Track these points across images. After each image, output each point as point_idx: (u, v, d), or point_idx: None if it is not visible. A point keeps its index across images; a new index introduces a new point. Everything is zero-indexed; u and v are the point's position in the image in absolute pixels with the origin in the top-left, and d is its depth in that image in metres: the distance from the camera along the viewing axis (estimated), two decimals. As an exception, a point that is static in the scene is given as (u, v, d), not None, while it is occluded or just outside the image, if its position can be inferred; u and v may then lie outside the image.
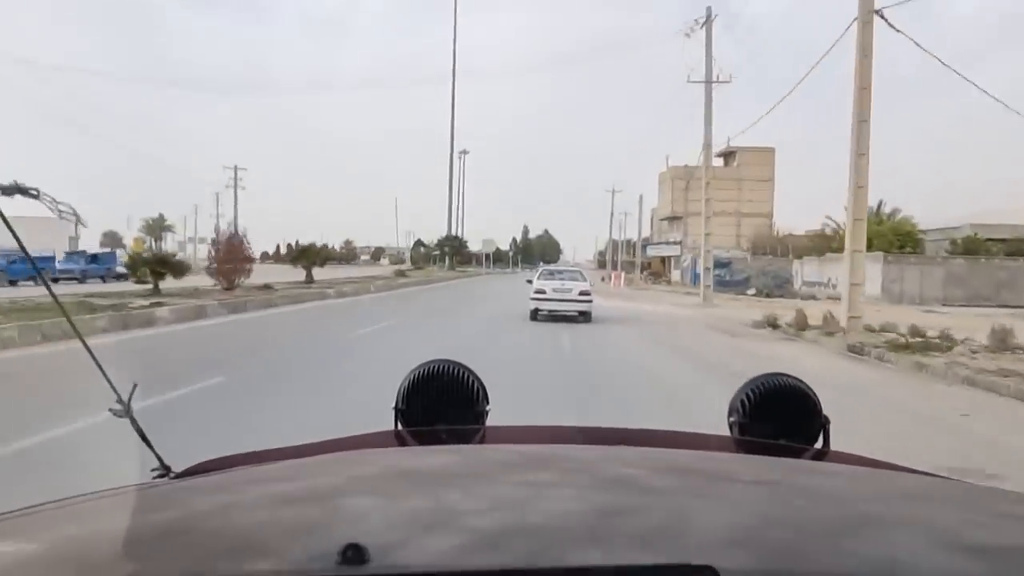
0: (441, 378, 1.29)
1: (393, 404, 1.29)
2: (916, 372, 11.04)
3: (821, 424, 1.27)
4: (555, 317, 17.50)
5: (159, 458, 1.03)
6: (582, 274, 20.03)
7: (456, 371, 1.30)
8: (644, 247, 70.11)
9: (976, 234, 36.79)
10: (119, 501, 0.81)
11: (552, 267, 22.72)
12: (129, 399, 1.03)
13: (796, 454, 1.19)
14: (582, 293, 17.89)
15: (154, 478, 1.02)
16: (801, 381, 1.30)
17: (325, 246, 36.78)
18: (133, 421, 1.03)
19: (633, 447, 1.10)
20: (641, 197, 76.21)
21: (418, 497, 0.76)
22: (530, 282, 19.14)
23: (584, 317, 17.69)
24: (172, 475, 1.02)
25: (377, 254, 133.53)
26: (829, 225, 41.81)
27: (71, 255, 37.97)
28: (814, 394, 1.29)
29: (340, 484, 0.82)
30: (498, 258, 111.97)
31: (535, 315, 17.75)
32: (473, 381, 1.30)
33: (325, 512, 0.73)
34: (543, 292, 17.94)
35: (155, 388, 6.87)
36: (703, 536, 0.67)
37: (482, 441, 1.20)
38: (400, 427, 1.26)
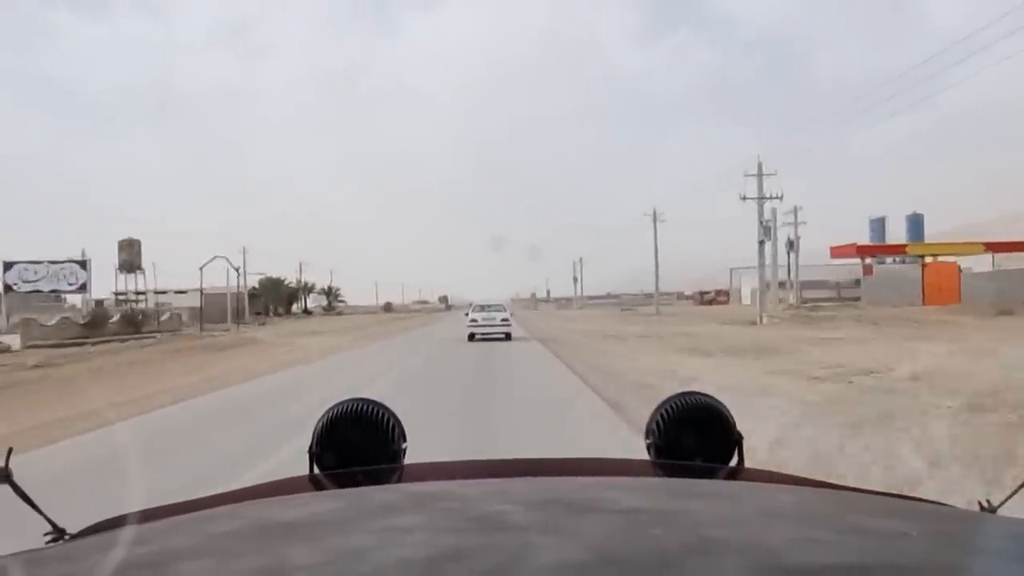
0: (356, 418, 1.29)
1: (308, 448, 1.28)
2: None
3: (735, 441, 1.29)
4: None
5: (50, 521, 1.01)
6: (504, 307, 28.30)
7: (371, 410, 1.30)
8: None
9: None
10: (15, 568, 0.76)
11: (482, 303, 30.07)
12: (6, 462, 1.00)
13: (710, 474, 1.22)
14: (503, 320, 26.36)
15: (47, 543, 0.99)
16: (714, 399, 1.32)
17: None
18: (14, 486, 0.99)
19: (535, 478, 1.12)
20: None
21: (259, 553, 0.74)
22: (467, 315, 28.43)
23: (506, 336, 25.43)
24: (67, 537, 1.00)
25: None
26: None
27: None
28: (728, 411, 1.31)
29: (197, 544, 0.80)
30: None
31: (472, 337, 25.30)
32: (389, 419, 1.30)
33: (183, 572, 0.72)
34: (476, 321, 26.47)
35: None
36: None
37: (399, 480, 1.21)
38: (316, 471, 1.27)
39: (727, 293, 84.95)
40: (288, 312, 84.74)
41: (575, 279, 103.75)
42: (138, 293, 75.93)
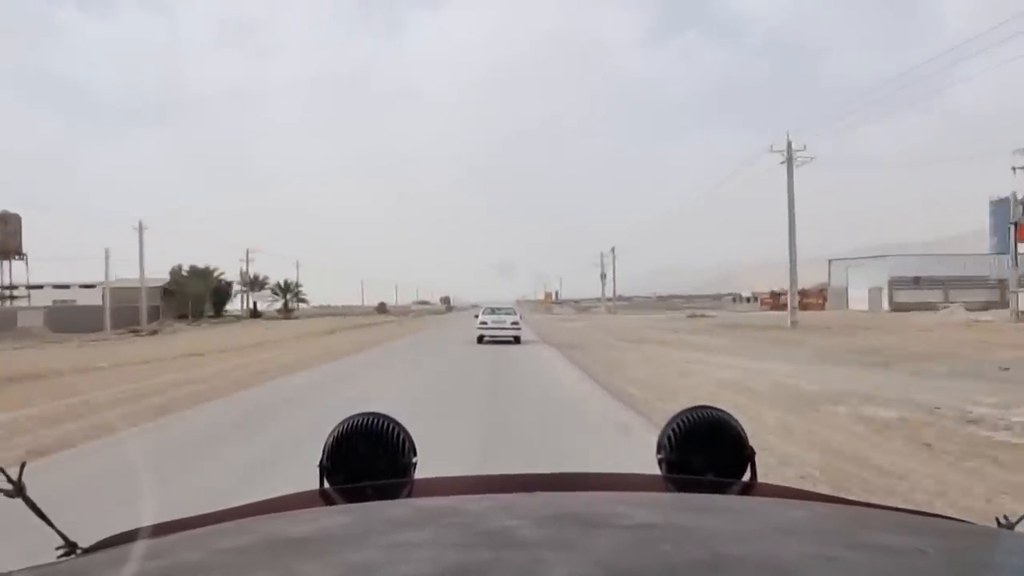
0: (367, 432, 1.28)
1: (318, 462, 1.28)
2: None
3: (747, 456, 1.27)
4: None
5: (62, 535, 1.01)
6: (514, 310, 29.04)
7: (381, 424, 1.29)
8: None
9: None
10: None
11: (492, 306, 30.26)
12: (19, 476, 0.99)
13: (722, 488, 1.21)
14: (513, 323, 26.73)
15: (59, 557, 0.99)
16: (727, 413, 1.31)
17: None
18: (27, 500, 0.99)
19: (545, 493, 1.11)
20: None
21: (268, 568, 0.75)
22: (477, 316, 29.07)
23: (516, 340, 25.88)
24: (79, 552, 1.00)
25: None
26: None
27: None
28: (739, 425, 1.30)
29: (207, 559, 0.80)
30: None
31: (481, 339, 26.04)
32: (399, 433, 1.30)
33: None
34: (486, 323, 26.88)
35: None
36: None
37: (408, 495, 1.21)
38: (326, 485, 1.27)
39: (821, 294, 63.36)
40: (219, 314, 63.75)
41: (602, 276, 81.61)
42: (12, 287, 55.70)
